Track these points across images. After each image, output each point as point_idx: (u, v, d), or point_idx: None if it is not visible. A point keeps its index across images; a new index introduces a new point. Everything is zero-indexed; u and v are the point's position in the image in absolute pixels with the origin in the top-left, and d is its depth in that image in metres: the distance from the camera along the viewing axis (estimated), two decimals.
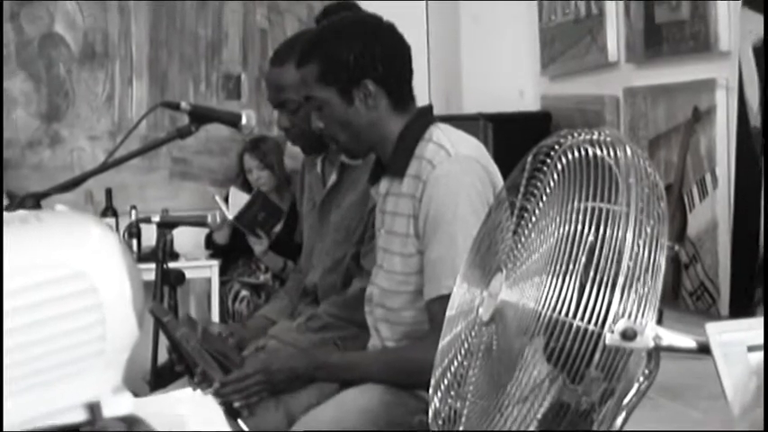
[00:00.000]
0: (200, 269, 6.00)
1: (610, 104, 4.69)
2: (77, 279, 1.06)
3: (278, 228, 6.10)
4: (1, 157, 6.07)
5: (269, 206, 5.92)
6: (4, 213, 1.11)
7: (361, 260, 3.21)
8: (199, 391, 1.26)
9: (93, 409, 1.09)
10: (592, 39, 4.84)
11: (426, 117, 2.86)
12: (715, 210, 3.87)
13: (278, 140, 6.20)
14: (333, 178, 3.33)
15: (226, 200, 6.19)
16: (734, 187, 3.77)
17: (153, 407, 1.16)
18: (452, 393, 1.94)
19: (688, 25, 3.99)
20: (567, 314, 1.58)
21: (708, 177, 3.91)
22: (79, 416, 1.09)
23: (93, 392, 1.09)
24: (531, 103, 5.59)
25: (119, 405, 1.11)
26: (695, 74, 4.01)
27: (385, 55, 2.77)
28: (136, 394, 1.29)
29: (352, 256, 3.28)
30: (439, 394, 1.98)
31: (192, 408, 1.21)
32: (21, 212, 1.11)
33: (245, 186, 6.21)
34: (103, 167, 3.14)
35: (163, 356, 3.43)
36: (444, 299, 2.05)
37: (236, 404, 2.80)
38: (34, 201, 2.95)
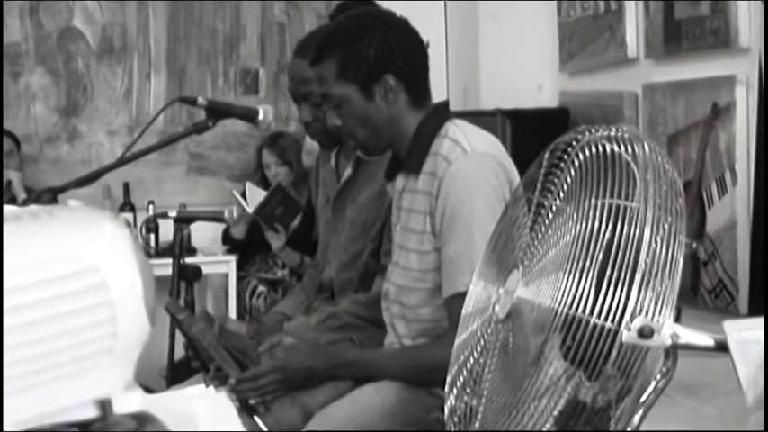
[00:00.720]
0: (218, 264, 6.00)
1: (629, 100, 4.67)
2: (89, 275, 1.06)
3: (295, 223, 6.10)
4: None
5: (287, 201, 5.92)
6: (17, 208, 1.10)
7: (381, 258, 3.20)
8: (212, 388, 1.26)
9: (105, 405, 1.08)
10: (611, 34, 4.82)
11: (442, 113, 2.85)
12: (734, 207, 3.85)
13: (296, 136, 6.20)
14: (348, 172, 3.32)
15: (243, 195, 6.19)
16: (753, 184, 3.75)
17: (164, 404, 1.15)
18: (468, 390, 1.93)
19: (708, 21, 3.97)
20: (583, 311, 1.57)
21: (727, 174, 3.89)
22: (90, 412, 1.09)
23: (104, 389, 1.09)
24: (549, 99, 5.57)
25: (130, 402, 1.10)
26: (715, 70, 3.99)
27: (403, 50, 2.76)
28: (152, 389, 1.29)
29: (371, 252, 3.27)
30: (455, 391, 1.97)
31: (204, 405, 1.21)
32: (33, 207, 1.10)
33: (263, 182, 6.20)
34: (121, 162, 3.14)
35: (179, 352, 3.43)
36: (462, 296, 2.04)
37: (252, 401, 2.79)
38: (51, 195, 2.95)
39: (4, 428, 1.03)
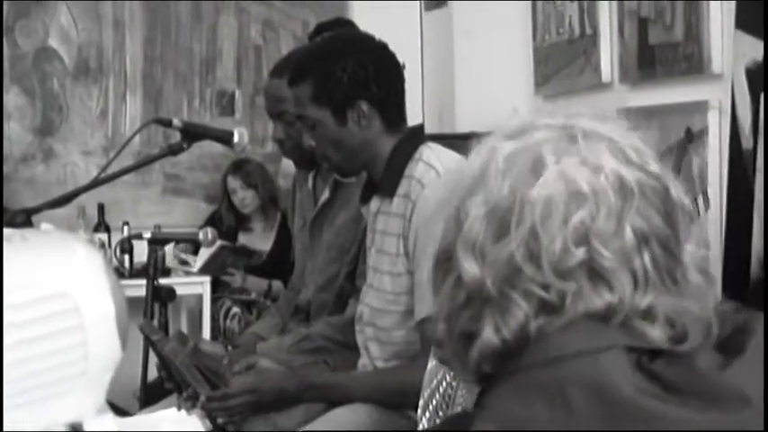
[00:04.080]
0: (192, 285, 5.98)
1: None
2: (60, 299, 1.06)
3: (268, 246, 6.13)
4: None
5: (236, 252, 5.97)
6: None
7: (356, 281, 3.20)
8: (183, 411, 1.26)
9: (76, 429, 1.08)
10: (585, 59, 4.84)
11: (417, 137, 2.86)
12: (706, 231, 3.87)
13: (261, 163, 6.24)
14: (325, 195, 3.33)
15: (213, 216, 6.25)
16: (725, 209, 3.77)
17: (136, 427, 1.16)
18: (440, 414, 1.94)
19: (681, 47, 3.99)
20: None
21: (700, 199, 3.91)
22: None
23: (75, 413, 1.09)
24: None
25: (101, 425, 1.10)
26: (688, 95, 4.01)
27: (379, 75, 2.77)
28: (125, 410, 1.29)
29: (346, 275, 3.27)
30: (427, 414, 1.98)
31: (176, 428, 1.21)
32: (6, 231, 1.10)
33: (230, 209, 6.24)
34: (96, 183, 3.14)
35: (153, 373, 3.42)
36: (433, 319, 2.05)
37: (219, 420, 2.79)
38: (25, 216, 2.95)
39: None
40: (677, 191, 1.36)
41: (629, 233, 1.27)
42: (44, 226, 1.17)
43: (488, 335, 1.28)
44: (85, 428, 1.08)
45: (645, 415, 1.19)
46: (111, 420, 1.11)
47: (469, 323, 1.31)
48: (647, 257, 1.28)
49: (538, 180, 1.28)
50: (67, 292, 1.06)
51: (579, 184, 1.28)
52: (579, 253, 1.25)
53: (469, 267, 1.30)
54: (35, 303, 1.04)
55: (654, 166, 1.35)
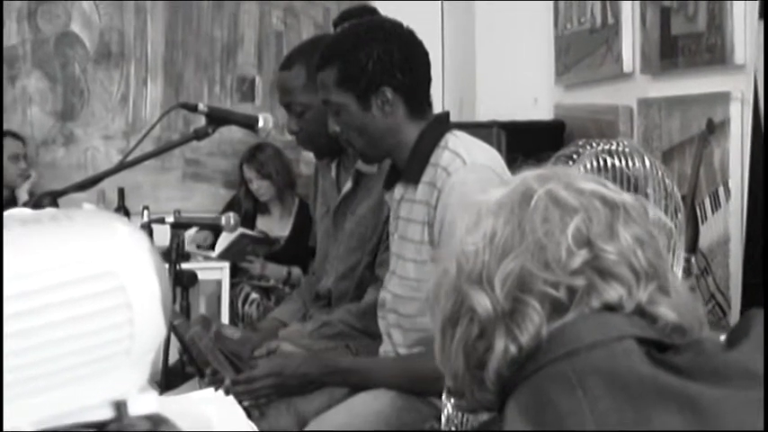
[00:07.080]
0: (211, 271, 6.00)
1: (624, 115, 4.69)
2: (107, 278, 1.07)
3: (286, 233, 6.15)
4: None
5: (255, 241, 5.98)
6: (35, 211, 1.12)
7: (375, 270, 3.21)
8: (221, 391, 1.27)
9: (120, 407, 1.10)
10: (607, 49, 4.84)
11: (443, 124, 2.87)
12: (727, 222, 3.87)
13: (278, 149, 6.24)
14: (348, 185, 3.33)
15: (232, 201, 6.26)
16: (747, 200, 3.77)
17: (178, 406, 1.17)
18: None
19: (704, 37, 3.99)
20: None
21: (721, 190, 3.90)
22: (105, 413, 1.10)
23: (119, 390, 1.10)
24: (544, 112, 5.59)
25: (144, 403, 1.12)
26: (710, 86, 4.01)
27: (404, 61, 2.78)
28: None
29: (367, 265, 3.28)
30: (452, 401, 1.98)
31: (216, 408, 1.22)
32: (51, 210, 1.12)
33: (248, 195, 6.25)
34: (120, 167, 3.15)
35: (174, 357, 3.43)
36: None
37: (245, 403, 2.80)
38: (51, 199, 2.96)
39: (24, 428, 1.04)
40: (655, 211, 1.44)
41: (624, 235, 1.36)
42: (86, 206, 1.19)
43: (504, 346, 1.34)
44: (129, 407, 1.10)
45: (666, 389, 1.24)
46: (153, 399, 1.12)
47: (483, 352, 1.37)
48: (641, 257, 1.36)
49: (530, 204, 1.38)
50: (114, 270, 1.07)
51: (568, 201, 1.38)
52: (583, 253, 1.34)
53: (480, 299, 1.37)
54: (83, 281, 1.06)
55: (627, 195, 1.45)
